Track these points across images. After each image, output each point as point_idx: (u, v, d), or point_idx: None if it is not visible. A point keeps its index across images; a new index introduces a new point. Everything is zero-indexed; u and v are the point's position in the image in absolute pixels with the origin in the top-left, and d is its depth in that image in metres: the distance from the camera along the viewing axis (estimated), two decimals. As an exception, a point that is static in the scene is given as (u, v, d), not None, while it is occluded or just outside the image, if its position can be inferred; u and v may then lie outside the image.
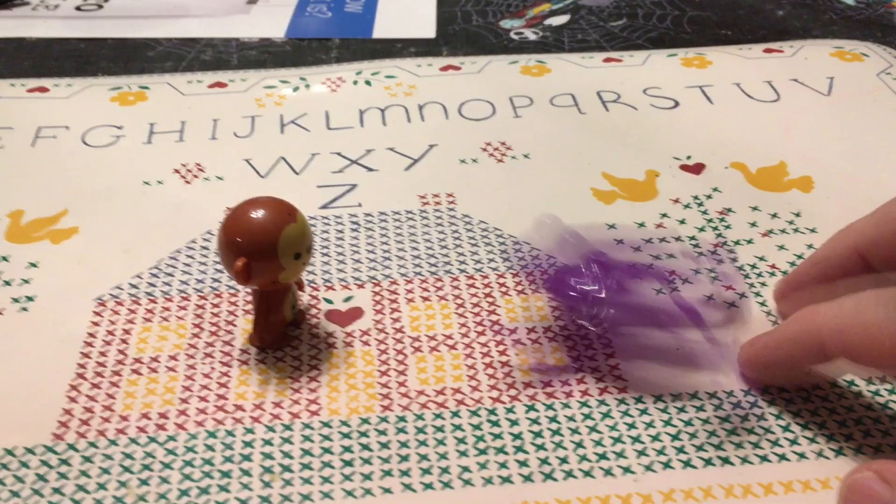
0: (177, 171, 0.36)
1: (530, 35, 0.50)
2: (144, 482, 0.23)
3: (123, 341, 0.28)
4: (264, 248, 0.25)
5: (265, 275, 0.25)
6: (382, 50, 0.48)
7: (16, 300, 0.29)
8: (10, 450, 0.24)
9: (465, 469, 0.24)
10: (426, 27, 0.50)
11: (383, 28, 0.50)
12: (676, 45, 0.48)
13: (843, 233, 0.26)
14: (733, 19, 0.52)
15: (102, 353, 0.27)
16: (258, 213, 0.25)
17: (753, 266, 0.31)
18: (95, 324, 0.29)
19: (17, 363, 0.27)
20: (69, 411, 0.25)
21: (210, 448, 0.24)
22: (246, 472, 0.24)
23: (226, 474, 0.24)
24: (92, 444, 0.24)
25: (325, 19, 0.52)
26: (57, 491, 0.23)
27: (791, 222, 0.33)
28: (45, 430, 0.25)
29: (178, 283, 0.30)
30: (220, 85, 0.43)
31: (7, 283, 0.30)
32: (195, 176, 0.36)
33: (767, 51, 0.46)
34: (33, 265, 0.31)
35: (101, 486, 0.23)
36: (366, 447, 0.24)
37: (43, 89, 0.42)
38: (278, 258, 0.25)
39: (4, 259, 0.31)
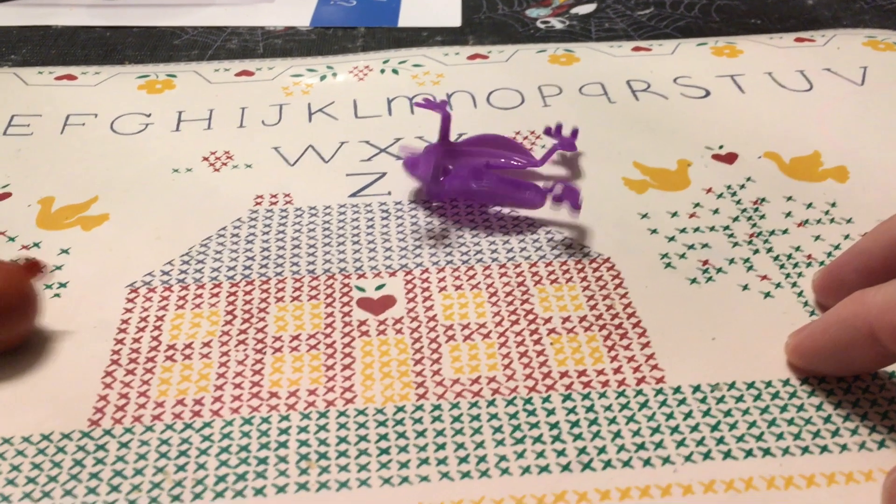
0: (205, 158, 0.36)
1: (557, 24, 0.49)
2: (181, 468, 0.23)
3: (157, 328, 0.28)
4: None
5: None
6: (408, 38, 0.48)
7: (48, 286, 0.29)
8: (46, 435, 0.24)
9: (503, 458, 0.24)
10: (452, 16, 0.50)
11: (409, 17, 0.50)
12: (705, 34, 0.47)
13: (886, 224, 0.26)
14: (762, 8, 0.51)
15: (136, 340, 0.27)
16: None
17: (790, 256, 0.30)
18: (128, 310, 0.29)
19: (50, 349, 0.27)
20: (104, 397, 0.25)
21: (246, 435, 0.24)
22: (282, 459, 0.24)
23: (262, 461, 0.24)
24: (128, 430, 0.24)
25: (349, 8, 0.51)
26: (94, 476, 0.23)
27: (827, 212, 0.33)
28: (81, 415, 0.25)
29: (210, 270, 0.30)
30: (247, 73, 0.43)
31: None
32: (224, 164, 0.36)
33: (799, 40, 0.45)
34: (65, 251, 0.31)
35: (139, 472, 0.23)
36: (402, 435, 0.24)
37: (71, 77, 0.42)
38: None
39: (36, 245, 0.31)
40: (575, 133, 0.36)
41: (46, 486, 0.23)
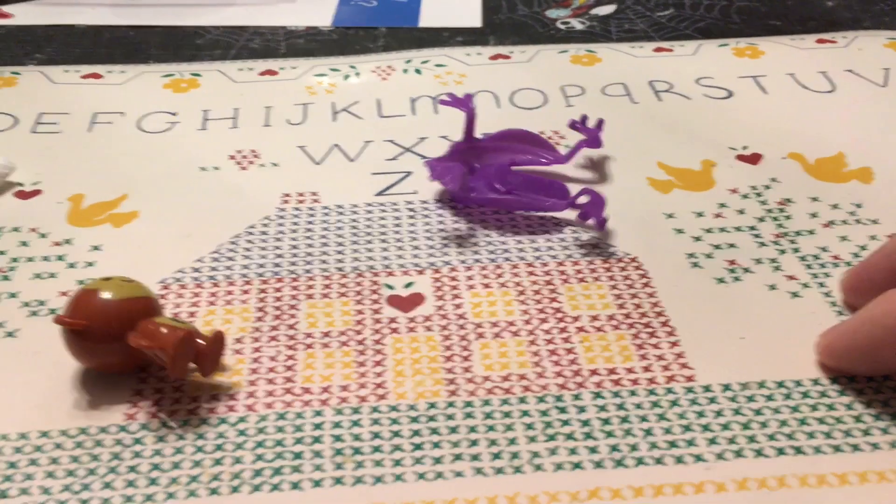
0: (232, 157, 0.37)
1: (577, 25, 0.50)
2: (218, 462, 0.24)
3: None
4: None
5: None
6: (429, 39, 0.48)
7: (81, 282, 0.30)
8: (84, 428, 0.25)
9: (536, 454, 0.24)
10: (472, 16, 0.50)
11: (429, 17, 0.50)
12: (725, 36, 0.48)
13: (915, 223, 0.26)
14: (782, 10, 0.51)
15: (169, 336, 0.28)
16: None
17: (816, 257, 0.31)
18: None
19: (85, 344, 0.27)
20: (140, 392, 0.26)
21: (280, 430, 0.24)
22: (317, 454, 0.24)
23: (297, 455, 0.24)
24: (164, 424, 0.25)
25: (370, 8, 0.52)
26: (133, 469, 0.23)
27: (852, 213, 0.33)
28: (117, 409, 0.25)
29: (240, 267, 0.31)
30: (271, 73, 0.43)
31: (72, 266, 0.31)
32: (251, 162, 0.36)
33: (820, 41, 0.45)
34: (96, 248, 0.31)
35: (176, 465, 0.23)
36: (435, 431, 0.24)
37: (97, 76, 0.43)
38: None
39: (68, 242, 0.32)
40: (600, 125, 0.36)
41: (86, 478, 0.23)
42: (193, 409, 0.25)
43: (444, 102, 0.34)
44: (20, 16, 0.51)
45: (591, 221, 0.32)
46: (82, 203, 0.34)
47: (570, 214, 0.33)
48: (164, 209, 0.33)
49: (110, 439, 0.24)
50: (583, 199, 0.32)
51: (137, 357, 0.26)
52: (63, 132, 0.38)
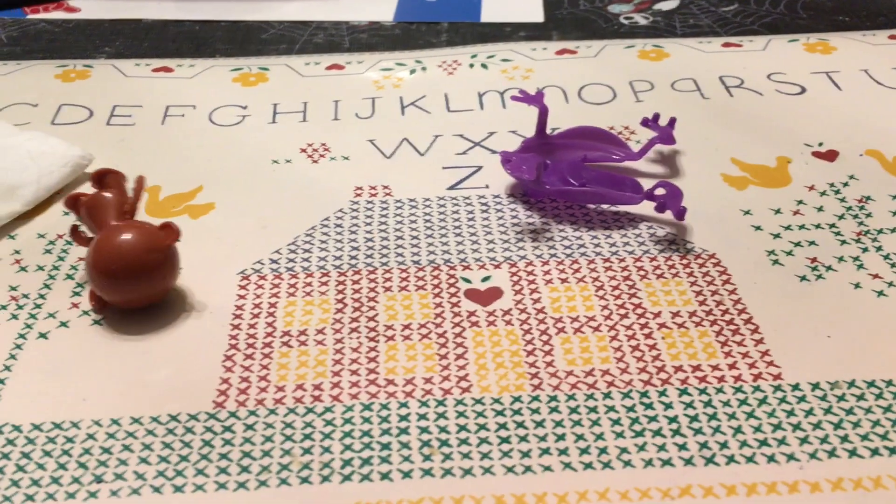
0: (303, 150, 0.37)
1: (640, 20, 0.49)
2: (307, 451, 0.24)
3: (270, 314, 0.28)
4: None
5: None
6: (492, 34, 0.48)
7: (163, 272, 0.30)
8: (174, 415, 0.25)
9: (624, 450, 0.24)
10: (534, 11, 0.50)
11: (491, 12, 0.50)
12: (792, 31, 0.47)
13: None
14: (849, 5, 0.50)
15: (252, 326, 0.28)
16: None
17: (901, 255, 0.30)
18: (241, 297, 0.29)
19: (170, 331, 0.28)
20: (227, 380, 0.26)
21: (367, 420, 0.25)
22: (405, 445, 0.24)
23: (385, 446, 0.24)
24: (252, 413, 0.25)
25: (432, 3, 0.52)
26: (224, 457, 0.24)
27: (936, 212, 0.32)
28: (205, 397, 0.25)
29: (317, 259, 0.31)
30: (338, 67, 0.43)
31: (153, 256, 0.31)
32: (321, 155, 0.37)
33: (893, 37, 0.44)
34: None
35: (266, 454, 0.24)
36: (521, 425, 0.24)
37: (167, 69, 0.43)
38: None
39: (147, 232, 0.32)
40: (672, 123, 0.35)
41: (179, 464, 0.23)
42: (280, 398, 0.25)
43: (516, 98, 0.34)
44: (87, 10, 0.52)
45: (668, 213, 0.32)
46: (160, 194, 0.34)
47: (644, 210, 0.33)
48: (239, 201, 0.34)
49: (200, 426, 0.25)
50: (660, 192, 0.32)
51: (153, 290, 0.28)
52: (137, 124, 0.39)
